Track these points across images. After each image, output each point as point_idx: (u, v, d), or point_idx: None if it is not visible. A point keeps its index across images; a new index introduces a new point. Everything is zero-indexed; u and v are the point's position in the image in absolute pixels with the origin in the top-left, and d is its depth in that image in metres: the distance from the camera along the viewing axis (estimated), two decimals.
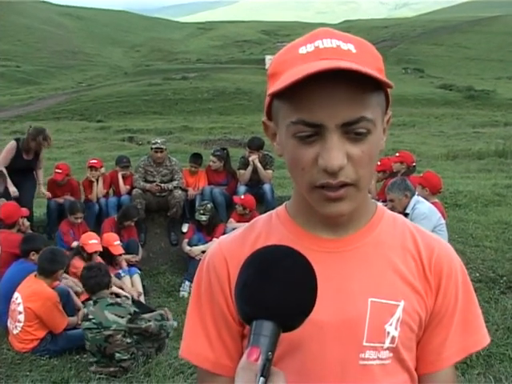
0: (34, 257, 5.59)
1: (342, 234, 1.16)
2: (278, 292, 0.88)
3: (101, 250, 6.25)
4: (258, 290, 0.89)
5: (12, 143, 7.68)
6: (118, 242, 6.61)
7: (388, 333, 1.12)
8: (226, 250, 1.21)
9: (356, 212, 1.14)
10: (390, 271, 1.14)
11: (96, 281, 4.92)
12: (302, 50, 1.03)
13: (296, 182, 1.10)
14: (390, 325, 1.12)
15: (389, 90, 1.06)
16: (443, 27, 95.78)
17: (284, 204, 1.25)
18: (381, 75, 1.00)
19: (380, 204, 1.27)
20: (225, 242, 1.25)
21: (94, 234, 6.50)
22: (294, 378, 1.12)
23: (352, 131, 1.01)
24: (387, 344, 1.13)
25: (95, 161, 8.40)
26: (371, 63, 1.01)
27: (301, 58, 1.02)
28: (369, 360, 1.12)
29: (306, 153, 1.03)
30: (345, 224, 1.15)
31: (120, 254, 6.64)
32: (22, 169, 7.66)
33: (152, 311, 5.52)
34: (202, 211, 7.41)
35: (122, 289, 6.23)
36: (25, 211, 6.57)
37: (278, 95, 1.03)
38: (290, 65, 1.03)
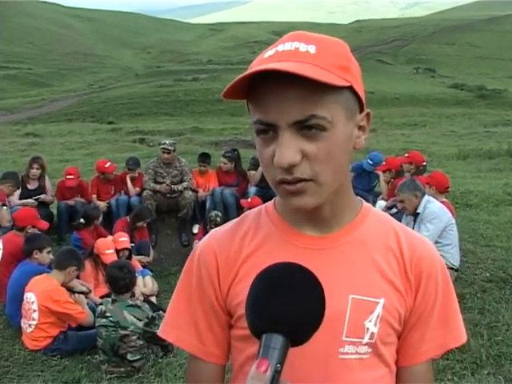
0: (38, 255, 5.56)
1: (327, 231, 1.19)
2: (288, 307, 0.92)
3: (116, 258, 6.11)
4: (268, 304, 0.93)
5: None
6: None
7: (367, 329, 1.16)
8: (216, 244, 1.26)
9: (339, 209, 1.18)
10: (371, 269, 1.18)
11: (122, 284, 4.91)
12: (266, 54, 1.08)
13: (266, 179, 1.13)
14: (370, 321, 1.16)
15: (355, 87, 1.07)
16: (454, 26, 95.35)
17: (273, 199, 1.29)
18: (340, 74, 1.04)
19: (366, 202, 1.29)
20: (215, 235, 1.30)
21: (110, 242, 6.40)
22: None
23: (304, 129, 1.04)
24: (366, 340, 1.16)
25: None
26: (330, 63, 1.04)
27: (261, 62, 1.06)
28: (348, 354, 1.16)
29: (266, 151, 1.07)
30: (328, 221, 1.19)
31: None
32: None
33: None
34: (213, 226, 7.35)
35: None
36: (43, 224, 6.48)
37: (247, 96, 1.09)
38: (251, 68, 1.06)
